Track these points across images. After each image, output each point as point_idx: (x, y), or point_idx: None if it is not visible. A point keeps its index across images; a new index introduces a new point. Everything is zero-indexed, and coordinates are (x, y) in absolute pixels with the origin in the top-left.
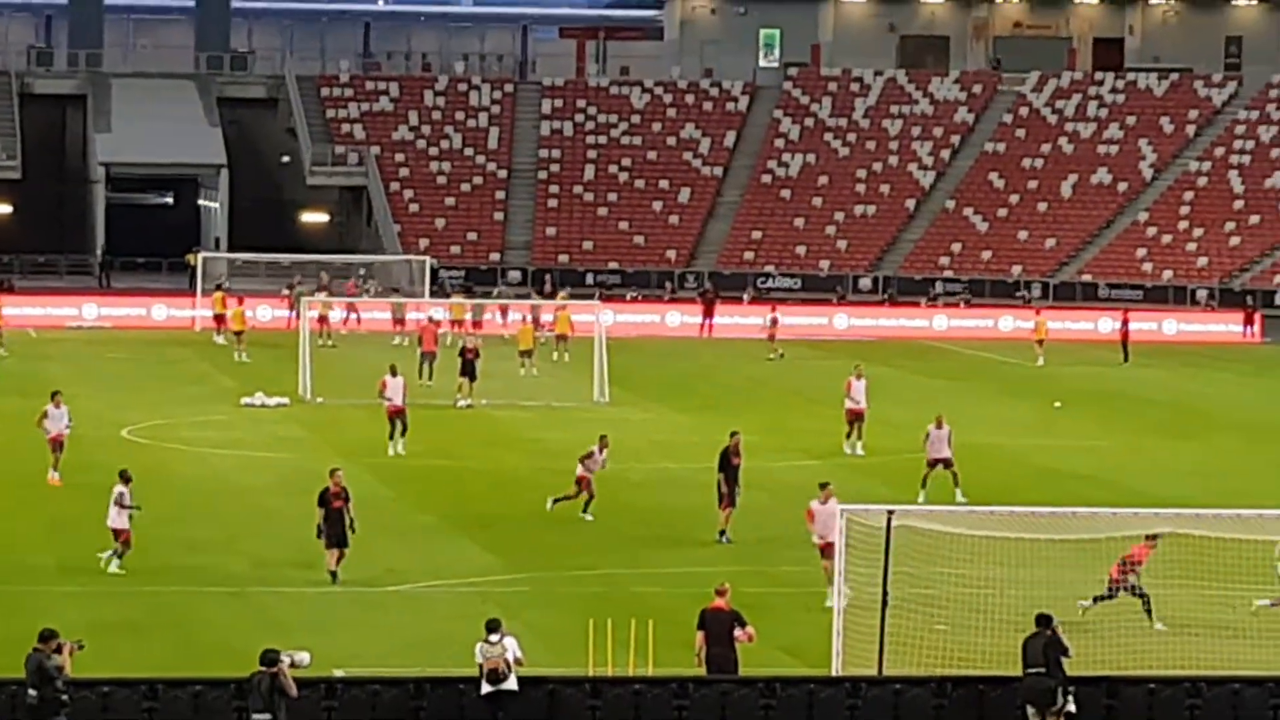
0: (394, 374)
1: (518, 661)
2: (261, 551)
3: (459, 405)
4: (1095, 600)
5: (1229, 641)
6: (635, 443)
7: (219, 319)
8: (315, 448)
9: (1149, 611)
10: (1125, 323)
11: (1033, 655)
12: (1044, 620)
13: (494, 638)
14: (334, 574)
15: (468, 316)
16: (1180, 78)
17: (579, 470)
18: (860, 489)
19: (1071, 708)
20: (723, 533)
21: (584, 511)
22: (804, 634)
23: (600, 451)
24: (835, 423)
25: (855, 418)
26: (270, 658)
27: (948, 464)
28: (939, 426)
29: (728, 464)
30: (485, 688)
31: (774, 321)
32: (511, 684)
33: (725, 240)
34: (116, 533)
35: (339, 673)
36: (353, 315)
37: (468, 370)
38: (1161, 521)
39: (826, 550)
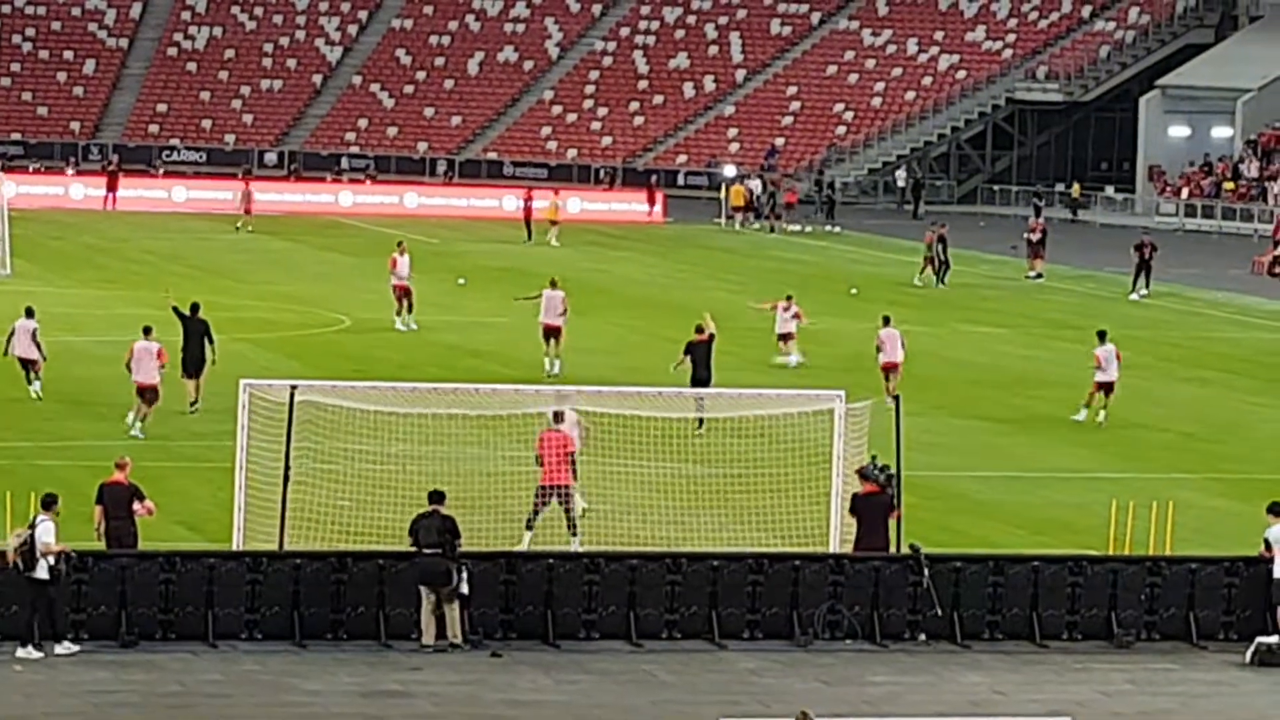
0: None
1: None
2: None
3: None
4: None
5: (625, 517)
6: (38, 316)
7: None
8: None
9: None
10: (529, 200)
11: (426, 535)
12: (437, 497)
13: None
14: None
15: None
16: None
17: None
18: (268, 364)
19: (465, 589)
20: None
21: None
22: (203, 509)
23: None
24: (241, 297)
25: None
26: None
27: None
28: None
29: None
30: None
31: (248, 196)
32: (39, 572)
33: (130, 113)
34: None
35: None
36: None
37: None
38: (563, 399)
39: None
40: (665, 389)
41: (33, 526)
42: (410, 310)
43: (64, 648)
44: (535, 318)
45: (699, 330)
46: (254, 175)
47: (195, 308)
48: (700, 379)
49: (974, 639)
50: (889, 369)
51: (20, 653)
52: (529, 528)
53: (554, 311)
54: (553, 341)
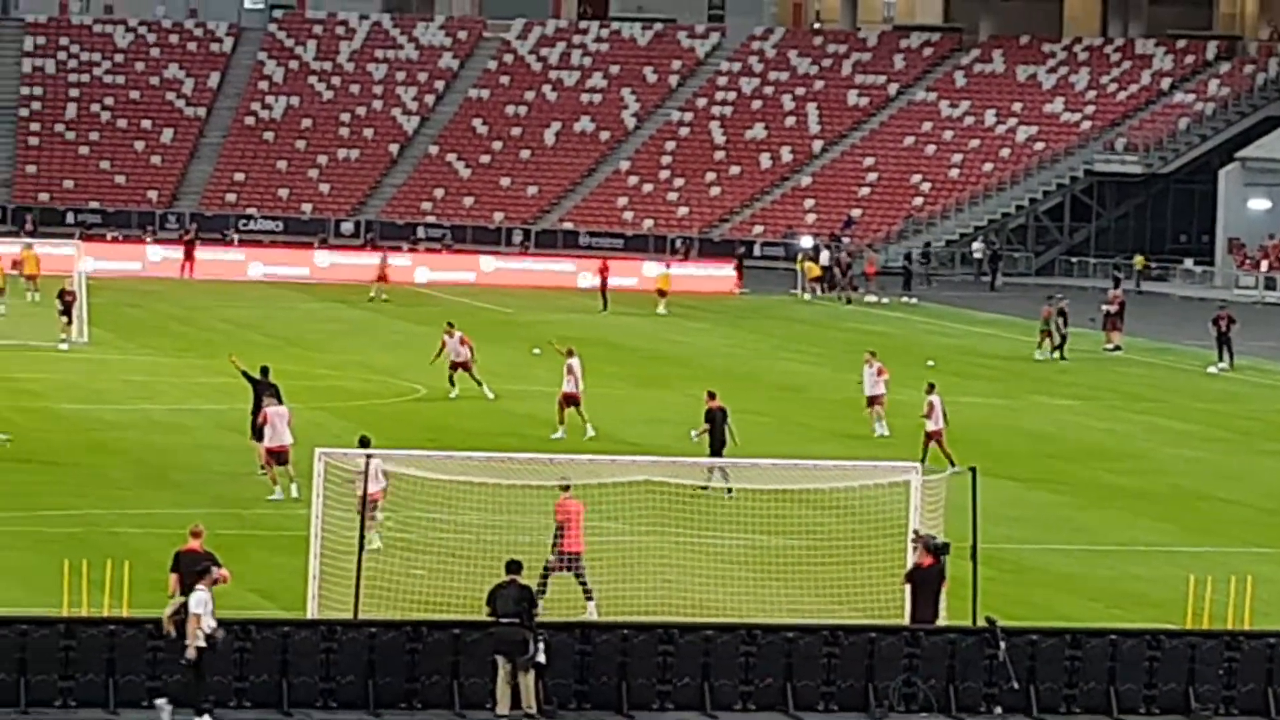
0: None
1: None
2: None
3: (60, 348)
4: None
5: (699, 588)
6: (114, 383)
7: None
8: None
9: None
10: (604, 271)
11: (503, 604)
12: (514, 566)
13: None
14: None
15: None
16: (664, 28)
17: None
18: (344, 433)
19: (542, 658)
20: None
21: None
22: (278, 577)
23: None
24: (316, 366)
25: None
26: None
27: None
28: (870, 364)
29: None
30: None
31: (384, 261)
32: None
33: (208, 182)
34: None
35: None
36: None
37: (67, 310)
38: (636, 469)
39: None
40: (740, 460)
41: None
42: (479, 384)
43: None
44: (600, 388)
45: (712, 396)
46: (392, 247)
47: (265, 371)
48: (718, 445)
49: (1050, 713)
50: (937, 436)
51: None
52: (543, 591)
53: (579, 380)
54: (573, 409)
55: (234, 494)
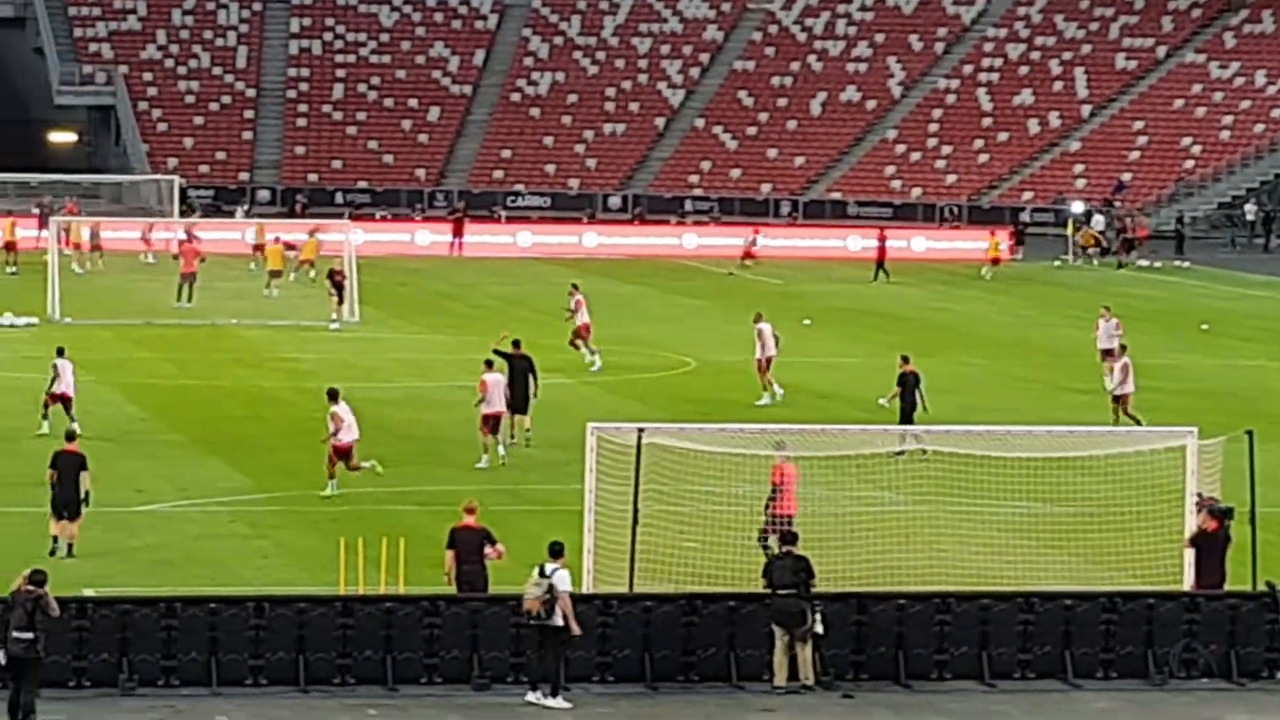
0: None
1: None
2: (4, 472)
3: (331, 328)
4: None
5: (975, 557)
6: (385, 362)
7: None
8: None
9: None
10: (882, 241)
11: (780, 576)
12: (790, 538)
13: (546, 570)
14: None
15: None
16: None
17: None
18: (615, 407)
19: (819, 629)
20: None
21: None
22: None
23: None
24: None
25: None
26: (38, 579)
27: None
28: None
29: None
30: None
31: (754, 241)
32: (556, 619)
33: (475, 159)
34: None
35: (89, 592)
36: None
37: (338, 290)
38: (909, 438)
39: None
40: (1015, 428)
41: (544, 575)
42: (589, 350)
43: (536, 697)
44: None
45: (905, 361)
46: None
47: (517, 344)
48: (909, 409)
49: None
50: (1125, 400)
51: (530, 696)
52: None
53: (769, 345)
54: (766, 374)
55: (506, 469)
